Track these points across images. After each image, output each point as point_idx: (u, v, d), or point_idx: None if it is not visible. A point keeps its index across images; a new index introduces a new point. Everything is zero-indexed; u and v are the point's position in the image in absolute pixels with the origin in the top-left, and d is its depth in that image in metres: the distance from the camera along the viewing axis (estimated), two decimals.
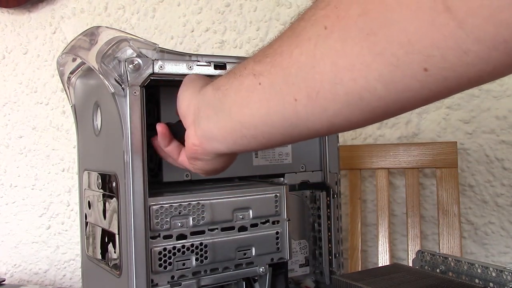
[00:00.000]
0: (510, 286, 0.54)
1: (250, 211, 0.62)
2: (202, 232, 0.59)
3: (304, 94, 0.34)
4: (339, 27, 0.30)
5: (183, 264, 0.57)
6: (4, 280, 1.17)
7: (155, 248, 0.55)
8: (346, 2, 0.30)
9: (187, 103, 0.49)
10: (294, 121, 0.37)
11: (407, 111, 0.33)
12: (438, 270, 0.63)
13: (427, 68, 0.27)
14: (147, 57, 0.53)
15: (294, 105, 0.35)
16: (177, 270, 0.57)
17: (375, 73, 0.29)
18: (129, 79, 0.52)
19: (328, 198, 0.73)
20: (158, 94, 0.63)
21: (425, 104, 0.31)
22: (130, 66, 0.52)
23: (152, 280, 0.55)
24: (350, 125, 0.35)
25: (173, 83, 0.57)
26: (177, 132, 0.53)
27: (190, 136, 0.48)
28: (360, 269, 1.01)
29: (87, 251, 0.66)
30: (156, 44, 0.54)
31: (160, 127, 0.53)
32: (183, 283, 0.57)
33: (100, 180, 0.60)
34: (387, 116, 0.34)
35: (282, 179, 0.71)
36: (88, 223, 0.65)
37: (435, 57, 0.26)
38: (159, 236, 0.56)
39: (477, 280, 0.58)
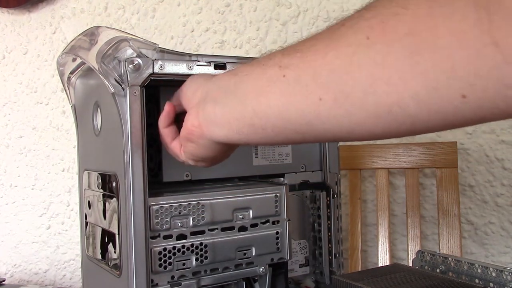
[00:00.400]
0: (510, 286, 0.54)
1: (250, 211, 0.62)
2: (202, 232, 0.59)
3: (331, 96, 0.34)
4: (383, 40, 0.31)
5: (183, 264, 0.57)
6: (4, 280, 1.17)
7: (155, 248, 0.55)
8: (394, 19, 0.30)
9: (196, 87, 0.49)
10: (312, 120, 0.36)
11: (429, 132, 0.33)
12: (438, 270, 0.63)
13: (465, 95, 0.28)
14: (147, 57, 0.53)
15: (317, 104, 0.35)
16: (177, 270, 0.57)
17: (411, 91, 0.30)
18: (129, 79, 0.52)
19: (328, 198, 0.73)
20: (158, 94, 0.63)
21: (449, 129, 0.32)
22: (130, 66, 0.52)
23: (152, 280, 0.55)
24: (370, 135, 0.35)
25: (173, 83, 0.57)
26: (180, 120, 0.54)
27: (191, 117, 0.47)
28: (360, 269, 1.01)
29: (87, 251, 0.66)
30: (156, 44, 0.54)
31: (168, 106, 0.53)
32: (183, 283, 0.57)
33: (100, 180, 0.60)
34: (408, 133, 0.34)
35: (282, 179, 0.71)
36: (88, 223, 0.65)
37: (475, 86, 0.27)
38: (159, 236, 0.56)
39: (477, 280, 0.58)
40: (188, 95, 0.50)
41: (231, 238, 0.60)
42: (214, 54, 1.12)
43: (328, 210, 0.73)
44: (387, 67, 0.30)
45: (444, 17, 0.27)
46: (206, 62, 0.57)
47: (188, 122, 0.48)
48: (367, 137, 0.36)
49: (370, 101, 0.32)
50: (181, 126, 0.52)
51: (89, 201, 0.64)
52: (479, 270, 0.58)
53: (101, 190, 0.59)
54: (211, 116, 0.45)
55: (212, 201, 0.59)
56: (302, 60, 0.36)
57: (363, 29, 0.32)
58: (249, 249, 0.61)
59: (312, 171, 0.73)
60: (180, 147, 0.53)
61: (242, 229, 0.61)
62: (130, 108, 0.52)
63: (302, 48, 0.37)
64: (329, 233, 0.73)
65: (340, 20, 0.35)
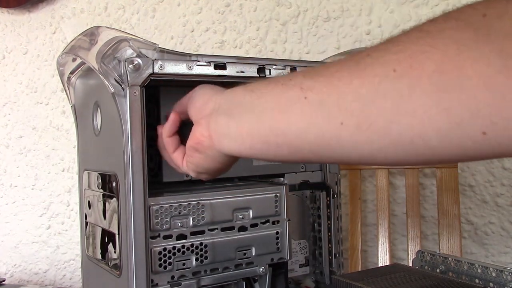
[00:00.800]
0: (510, 286, 0.54)
1: (250, 211, 0.62)
2: (202, 232, 0.59)
3: (354, 122, 0.35)
4: (411, 75, 0.32)
5: (183, 264, 0.57)
6: (4, 280, 1.17)
7: (155, 248, 0.55)
8: (422, 56, 0.32)
9: (207, 98, 0.49)
10: (332, 143, 0.37)
11: (446, 163, 0.35)
12: (438, 270, 0.63)
13: (486, 132, 0.30)
14: (147, 57, 0.53)
15: (339, 128, 0.36)
16: (177, 270, 0.57)
17: (434, 125, 0.31)
18: (129, 79, 0.52)
19: (328, 198, 0.73)
20: (158, 94, 0.63)
21: (465, 161, 0.34)
22: (130, 66, 0.52)
23: (152, 280, 0.55)
24: (387, 162, 0.37)
25: (173, 83, 0.57)
26: (184, 131, 0.54)
27: (201, 128, 0.48)
28: (360, 269, 1.01)
29: (87, 251, 0.66)
30: (156, 44, 0.54)
31: (173, 115, 0.54)
32: (183, 283, 0.57)
33: (100, 180, 0.60)
34: (426, 163, 0.37)
35: (282, 179, 0.71)
36: (88, 223, 0.65)
37: (497, 125, 0.29)
38: (159, 236, 0.56)
39: (477, 280, 0.58)
40: (197, 105, 0.50)
41: (231, 238, 0.60)
42: (214, 54, 1.12)
43: (328, 210, 0.73)
44: (413, 100, 0.32)
45: (471, 60, 0.29)
46: (206, 62, 0.57)
47: (197, 132, 0.48)
48: (384, 163, 0.37)
49: (393, 130, 0.33)
50: (182, 137, 0.53)
51: (89, 201, 0.64)
52: (479, 270, 0.58)
53: (101, 190, 0.59)
54: (223, 129, 0.45)
55: (212, 201, 0.59)
56: (325, 84, 0.37)
57: (390, 62, 0.33)
58: (249, 249, 0.61)
59: (312, 171, 0.73)
60: (182, 158, 0.53)
61: (242, 229, 0.61)
62: (130, 108, 0.52)
63: (326, 73, 0.38)
64: (329, 233, 0.73)
65: (364, 50, 0.37)
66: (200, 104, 0.49)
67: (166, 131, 0.54)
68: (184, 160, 0.53)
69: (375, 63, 0.34)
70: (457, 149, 0.32)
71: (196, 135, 0.48)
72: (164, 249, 0.56)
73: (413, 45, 0.32)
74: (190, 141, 0.50)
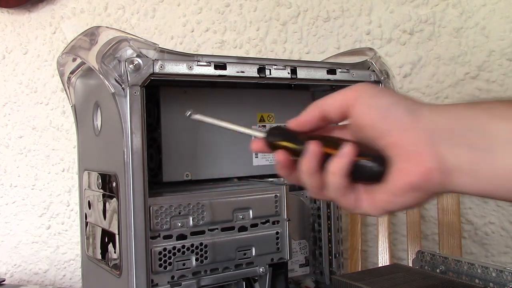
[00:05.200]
0: (510, 286, 0.54)
1: (250, 211, 0.62)
2: (202, 232, 0.59)
3: None
4: None
5: (183, 264, 0.57)
6: (4, 280, 1.17)
7: (155, 248, 0.55)
8: None
9: (412, 109, 0.37)
10: None
11: None
12: (438, 270, 0.63)
13: None
14: (147, 57, 0.53)
15: None
16: (177, 270, 0.57)
17: None
18: (129, 79, 0.52)
19: None
20: (158, 94, 0.63)
21: None
22: (130, 66, 0.52)
23: (152, 280, 0.55)
24: None
25: (173, 83, 0.57)
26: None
27: (424, 158, 0.35)
28: (360, 269, 1.01)
29: (87, 251, 0.66)
30: (156, 44, 0.54)
31: (315, 146, 0.37)
32: (183, 283, 0.57)
33: (100, 180, 0.60)
34: None
35: (282, 179, 0.71)
36: (88, 223, 0.65)
37: None
38: (159, 236, 0.56)
39: (477, 280, 0.58)
40: (396, 119, 0.36)
41: (231, 238, 0.60)
42: (214, 54, 1.12)
43: (328, 210, 0.73)
44: None
45: None
46: (207, 62, 0.57)
47: (422, 164, 0.35)
48: None
49: None
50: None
51: (89, 201, 0.64)
52: (479, 270, 0.58)
53: (101, 190, 0.59)
54: (466, 165, 0.35)
55: (212, 201, 0.59)
56: None
57: None
58: (249, 249, 0.61)
59: None
60: (355, 199, 0.39)
61: (242, 229, 0.61)
62: (130, 108, 0.52)
63: None
64: (329, 233, 0.73)
65: None
66: (403, 119, 0.36)
67: (339, 169, 0.37)
68: (372, 204, 0.38)
69: None
70: None
71: (420, 169, 0.35)
72: (164, 249, 0.56)
73: None
74: (408, 178, 0.36)
